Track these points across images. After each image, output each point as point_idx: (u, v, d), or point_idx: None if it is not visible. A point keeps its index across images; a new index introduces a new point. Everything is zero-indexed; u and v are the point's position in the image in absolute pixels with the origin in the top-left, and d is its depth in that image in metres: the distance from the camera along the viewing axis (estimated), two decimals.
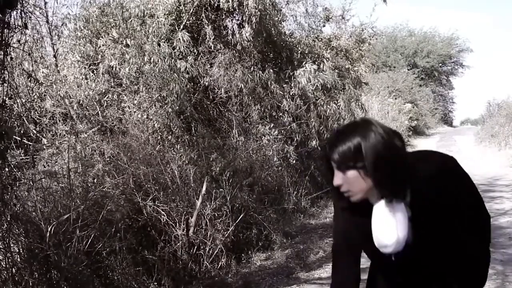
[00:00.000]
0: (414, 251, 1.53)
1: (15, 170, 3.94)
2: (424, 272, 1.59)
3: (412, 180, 1.48)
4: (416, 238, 1.52)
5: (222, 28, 7.47)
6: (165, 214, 4.69)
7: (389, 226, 1.50)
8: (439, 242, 1.54)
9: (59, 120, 5.49)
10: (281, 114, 7.80)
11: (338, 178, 1.49)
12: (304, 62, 7.83)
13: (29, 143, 5.18)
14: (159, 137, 5.83)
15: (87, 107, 5.89)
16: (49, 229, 3.62)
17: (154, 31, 6.30)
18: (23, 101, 5.06)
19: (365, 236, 1.56)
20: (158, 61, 5.94)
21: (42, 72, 5.89)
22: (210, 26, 7.02)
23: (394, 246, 1.50)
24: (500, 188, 9.11)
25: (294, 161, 7.65)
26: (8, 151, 3.85)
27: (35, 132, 5.36)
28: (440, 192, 1.51)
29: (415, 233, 1.51)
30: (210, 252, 4.83)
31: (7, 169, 3.58)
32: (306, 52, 8.37)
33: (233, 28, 7.31)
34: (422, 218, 1.50)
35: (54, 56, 6.51)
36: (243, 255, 5.36)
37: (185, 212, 4.81)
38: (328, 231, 6.58)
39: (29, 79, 5.53)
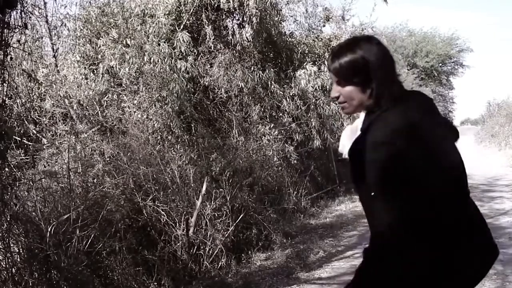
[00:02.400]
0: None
1: (15, 170, 3.95)
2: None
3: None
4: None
5: (222, 28, 7.48)
6: (165, 214, 4.68)
7: (345, 133, 1.65)
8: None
9: (59, 120, 5.50)
10: (281, 114, 7.80)
11: (334, 91, 1.60)
12: (304, 63, 7.83)
13: (29, 143, 5.19)
14: (159, 137, 5.83)
15: (87, 107, 5.89)
16: (49, 229, 3.62)
17: (154, 31, 6.30)
18: (23, 101, 5.06)
19: None
20: (158, 61, 5.94)
21: (42, 72, 5.89)
22: (210, 26, 7.02)
23: (341, 149, 1.65)
24: (500, 188, 9.10)
25: (294, 161, 7.65)
26: (8, 151, 3.85)
27: (35, 132, 5.36)
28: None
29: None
30: (210, 252, 4.83)
31: (7, 169, 3.58)
32: (306, 52, 8.37)
33: (233, 28, 7.31)
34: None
35: (54, 56, 6.51)
36: (243, 255, 5.36)
37: (185, 212, 4.81)
38: (328, 231, 6.58)
39: (29, 79, 5.53)
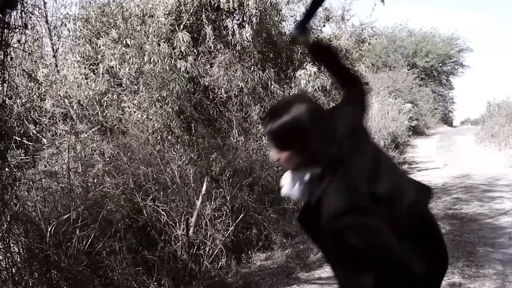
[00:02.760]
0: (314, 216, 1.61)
1: (15, 170, 3.95)
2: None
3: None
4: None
5: (222, 28, 7.47)
6: (165, 214, 4.69)
7: (286, 176, 1.74)
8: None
9: (59, 120, 5.49)
10: None
11: (272, 154, 1.68)
12: (304, 63, 7.82)
13: (29, 143, 5.18)
14: (159, 137, 5.83)
15: (87, 107, 5.89)
16: (49, 229, 3.62)
17: (154, 31, 6.30)
18: (23, 101, 5.06)
19: None
20: (158, 61, 5.94)
21: (42, 72, 5.89)
22: (210, 26, 7.02)
23: (284, 191, 1.75)
24: (500, 188, 9.10)
25: None
26: (8, 151, 3.85)
27: (35, 132, 5.36)
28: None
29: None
30: (210, 252, 4.83)
31: (7, 169, 3.58)
32: (306, 52, 8.36)
33: (233, 28, 7.31)
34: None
35: (54, 56, 6.51)
36: (243, 255, 5.36)
37: (185, 212, 4.81)
38: None
39: (29, 79, 5.53)
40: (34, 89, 5.65)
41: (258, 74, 7.16)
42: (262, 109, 7.41)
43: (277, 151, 1.64)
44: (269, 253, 5.56)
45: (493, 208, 7.29)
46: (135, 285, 4.12)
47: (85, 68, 6.29)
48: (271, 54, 8.20)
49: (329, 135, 1.60)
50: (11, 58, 3.56)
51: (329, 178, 1.57)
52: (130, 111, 5.86)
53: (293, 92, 7.72)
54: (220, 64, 6.81)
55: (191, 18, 7.04)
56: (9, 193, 3.54)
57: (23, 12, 3.37)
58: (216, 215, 5.12)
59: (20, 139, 5.09)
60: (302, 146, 1.57)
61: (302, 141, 1.57)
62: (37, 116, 5.50)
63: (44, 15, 6.30)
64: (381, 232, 1.51)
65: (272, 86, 7.43)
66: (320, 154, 1.58)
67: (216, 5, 7.10)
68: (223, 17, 7.41)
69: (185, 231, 4.70)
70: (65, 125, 5.39)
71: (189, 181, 5.16)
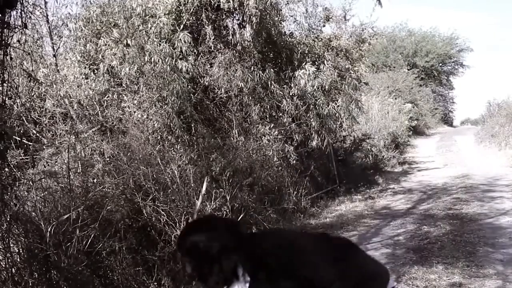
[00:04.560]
0: None
1: (15, 170, 3.94)
2: None
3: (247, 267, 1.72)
4: None
5: (222, 28, 7.47)
6: (165, 214, 4.68)
7: None
8: None
9: (59, 120, 5.49)
10: (281, 114, 7.80)
11: (187, 267, 1.79)
12: (304, 63, 7.82)
13: (29, 143, 5.18)
14: (159, 137, 5.82)
15: (87, 107, 5.89)
16: (49, 229, 3.62)
17: (155, 31, 6.30)
18: (23, 101, 5.06)
19: None
20: (158, 61, 5.94)
21: (42, 72, 5.89)
22: (210, 26, 7.02)
23: None
24: (501, 188, 9.10)
25: (294, 161, 7.65)
26: (8, 151, 3.85)
27: (35, 132, 5.36)
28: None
29: None
30: None
31: (7, 169, 3.58)
32: (306, 52, 8.36)
33: (234, 28, 7.31)
34: None
35: (54, 56, 6.51)
36: None
37: (185, 212, 4.80)
38: (328, 231, 6.58)
39: (29, 79, 5.53)
40: (34, 89, 5.65)
41: (258, 74, 7.16)
42: (262, 109, 7.41)
43: (191, 266, 1.77)
44: None
45: (493, 208, 7.29)
46: (135, 285, 4.11)
47: (85, 68, 6.29)
48: (271, 54, 8.20)
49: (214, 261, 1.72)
50: (11, 58, 3.55)
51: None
52: (130, 111, 5.86)
53: (293, 92, 7.71)
54: (220, 64, 6.81)
55: (191, 18, 7.03)
56: (9, 193, 3.54)
57: (23, 12, 3.37)
58: (216, 215, 5.11)
59: (20, 139, 5.09)
60: (205, 261, 1.72)
61: (210, 260, 1.71)
62: (37, 116, 5.50)
63: (45, 14, 6.30)
64: None
65: (272, 86, 7.43)
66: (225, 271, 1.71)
67: (216, 5, 7.10)
68: (223, 17, 7.41)
69: None
70: (65, 125, 5.38)
71: (189, 181, 5.16)
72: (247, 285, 1.74)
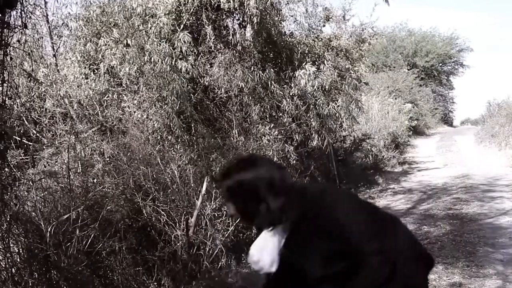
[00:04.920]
0: (294, 276, 1.67)
1: (15, 170, 3.94)
2: None
3: (290, 213, 1.67)
4: (290, 267, 1.67)
5: (222, 28, 7.47)
6: (165, 214, 4.68)
7: (255, 247, 1.76)
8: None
9: (59, 120, 5.49)
10: (281, 114, 7.79)
11: (229, 209, 1.75)
12: (304, 63, 7.82)
13: (29, 143, 5.18)
14: (159, 137, 5.82)
15: (87, 107, 5.89)
16: (49, 229, 3.62)
17: (155, 31, 6.30)
18: (23, 101, 5.06)
19: None
20: (158, 61, 5.94)
21: (42, 72, 5.89)
22: (210, 26, 7.02)
23: (257, 266, 1.74)
24: (501, 188, 9.10)
25: (294, 161, 7.64)
26: (8, 151, 3.85)
27: (35, 132, 5.36)
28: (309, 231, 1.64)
29: (291, 263, 1.67)
30: (210, 252, 4.82)
31: (7, 169, 3.58)
32: (306, 52, 8.36)
33: (234, 28, 7.31)
34: (296, 254, 1.66)
35: (54, 55, 6.51)
36: (243, 255, 5.35)
37: (185, 212, 4.80)
38: None
39: (29, 79, 5.53)
40: (34, 89, 5.65)
41: (258, 74, 7.15)
42: (262, 109, 7.40)
43: (233, 205, 1.72)
44: None
45: (493, 208, 7.29)
46: (135, 285, 4.11)
47: (85, 68, 6.29)
48: (271, 54, 8.20)
49: (283, 192, 1.68)
50: (11, 58, 3.55)
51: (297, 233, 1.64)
52: (130, 111, 5.86)
53: (293, 92, 7.71)
54: (220, 64, 6.80)
55: (191, 18, 7.03)
56: (9, 193, 3.54)
57: (23, 12, 3.37)
58: (216, 215, 5.11)
59: (20, 139, 5.09)
60: (257, 200, 1.66)
61: (257, 195, 1.66)
62: (37, 116, 5.49)
63: (45, 14, 6.30)
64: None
65: (272, 86, 7.42)
66: (276, 210, 1.65)
67: (216, 5, 7.09)
68: (224, 17, 7.41)
69: (185, 231, 4.69)
70: (65, 125, 5.38)
71: (189, 181, 5.16)
72: (284, 235, 1.67)
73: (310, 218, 1.64)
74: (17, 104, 4.93)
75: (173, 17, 6.71)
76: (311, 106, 8.06)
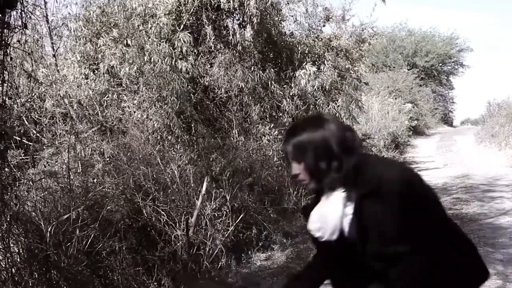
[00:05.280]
0: (351, 248, 1.59)
1: (15, 170, 3.94)
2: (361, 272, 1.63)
3: (361, 180, 1.57)
4: (356, 236, 1.58)
5: (222, 28, 7.47)
6: (165, 214, 4.68)
7: (317, 213, 1.65)
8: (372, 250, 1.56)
9: (59, 120, 5.49)
10: (281, 114, 7.80)
11: (294, 169, 1.64)
12: (304, 63, 7.82)
13: (29, 143, 5.18)
14: (159, 137, 5.82)
15: (87, 107, 5.89)
16: (49, 229, 3.62)
17: (155, 31, 6.30)
18: (23, 101, 5.06)
19: None
20: (158, 61, 5.94)
21: (42, 72, 5.89)
22: (210, 26, 7.02)
23: (318, 233, 1.63)
24: (501, 188, 9.10)
25: None
26: (8, 151, 3.85)
27: (35, 132, 5.36)
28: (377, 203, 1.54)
29: (359, 230, 1.57)
30: (210, 252, 4.83)
31: (7, 169, 3.58)
32: (306, 52, 8.36)
33: (234, 28, 7.31)
34: (363, 220, 1.56)
35: (54, 56, 6.51)
36: (243, 255, 5.36)
37: (185, 212, 4.80)
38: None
39: (29, 79, 5.53)
40: (34, 89, 5.65)
41: (258, 74, 7.16)
42: (262, 109, 7.41)
43: (297, 165, 1.62)
44: (269, 253, 5.56)
45: (493, 208, 7.29)
46: (135, 285, 4.11)
47: (85, 68, 6.29)
48: (271, 54, 8.20)
49: (351, 151, 1.58)
50: (11, 58, 3.55)
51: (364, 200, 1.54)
52: (130, 111, 5.86)
53: (293, 92, 7.71)
54: (220, 64, 6.81)
55: (191, 18, 7.03)
56: (9, 193, 3.54)
57: (23, 12, 3.37)
58: (216, 215, 5.12)
59: (20, 139, 5.09)
60: (324, 159, 1.57)
61: (324, 154, 1.56)
62: (37, 116, 5.49)
63: (45, 14, 6.30)
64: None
65: (272, 86, 7.43)
66: (343, 170, 1.56)
67: (216, 5, 7.10)
68: (224, 17, 7.41)
69: (185, 231, 4.69)
70: (65, 125, 5.38)
71: (189, 181, 5.16)
72: (350, 203, 1.58)
73: (385, 191, 1.53)
74: (17, 104, 4.93)
75: (173, 17, 6.71)
76: (311, 106, 8.06)
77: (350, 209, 1.58)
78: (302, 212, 1.82)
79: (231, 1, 6.81)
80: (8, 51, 3.33)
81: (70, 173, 4.27)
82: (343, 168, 1.55)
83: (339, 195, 1.59)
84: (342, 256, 1.66)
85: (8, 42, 3.30)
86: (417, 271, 1.54)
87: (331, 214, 1.60)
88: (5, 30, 3.22)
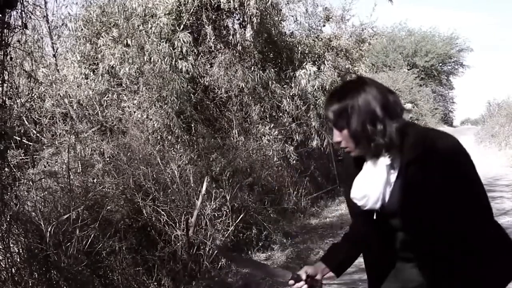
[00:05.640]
0: (396, 216, 1.52)
1: (15, 170, 3.94)
2: (408, 242, 1.55)
3: (406, 146, 1.49)
4: (401, 204, 1.50)
5: (222, 28, 7.48)
6: (165, 214, 4.68)
7: (361, 181, 1.57)
8: (422, 218, 1.47)
9: (59, 120, 5.49)
10: (281, 114, 7.80)
11: (335, 136, 1.55)
12: (304, 63, 7.82)
13: (29, 143, 5.18)
14: (159, 137, 5.82)
15: (87, 107, 5.89)
16: (49, 229, 3.62)
17: (155, 31, 6.30)
18: (23, 101, 5.06)
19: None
20: (158, 61, 5.94)
21: (42, 72, 5.89)
22: (210, 26, 7.02)
23: (362, 201, 1.55)
24: (501, 188, 9.09)
25: (294, 161, 7.65)
26: (8, 151, 3.85)
27: (35, 132, 5.36)
28: (429, 168, 1.46)
29: (401, 199, 1.50)
30: (210, 252, 4.82)
31: (7, 169, 3.58)
32: (306, 52, 8.37)
33: (234, 28, 7.32)
34: (410, 187, 1.48)
35: (54, 55, 6.51)
36: (243, 255, 5.36)
37: (185, 212, 4.80)
38: (328, 231, 6.58)
39: (29, 79, 5.53)
40: (34, 89, 5.65)
41: (258, 74, 7.16)
42: (262, 109, 7.41)
43: (338, 131, 1.53)
44: (269, 253, 5.56)
45: (493, 208, 7.26)
46: (135, 285, 4.11)
47: (85, 68, 6.29)
48: (271, 54, 8.20)
49: (393, 115, 1.50)
50: (11, 58, 3.55)
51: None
52: (130, 111, 5.86)
53: (293, 92, 7.72)
54: (221, 64, 6.81)
55: (191, 18, 7.04)
56: (9, 193, 3.53)
57: (23, 12, 3.37)
58: (216, 215, 5.11)
59: (20, 139, 5.09)
60: (366, 124, 1.48)
61: (365, 120, 1.47)
62: (37, 116, 5.49)
63: (45, 14, 6.30)
64: None
65: (272, 86, 7.43)
66: (386, 134, 1.47)
67: (216, 5, 7.10)
68: (224, 17, 7.42)
69: (185, 231, 4.69)
70: (65, 125, 5.38)
71: (189, 181, 5.16)
72: (394, 171, 1.50)
73: (436, 155, 1.45)
74: (17, 104, 4.93)
75: (173, 17, 6.72)
76: (311, 106, 8.07)
77: (393, 176, 1.51)
78: (343, 176, 1.69)
79: (231, 1, 6.82)
80: (8, 51, 3.33)
81: (70, 173, 4.27)
82: (388, 132, 1.47)
83: (383, 161, 1.52)
84: (381, 228, 1.58)
85: (8, 42, 3.30)
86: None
87: (375, 182, 1.53)
88: (5, 30, 3.22)
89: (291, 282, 1.67)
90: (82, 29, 6.62)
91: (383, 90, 1.52)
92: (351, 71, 9.23)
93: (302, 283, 1.66)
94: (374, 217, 1.58)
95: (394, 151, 1.49)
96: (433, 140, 1.49)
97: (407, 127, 1.51)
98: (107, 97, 6.14)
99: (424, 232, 1.50)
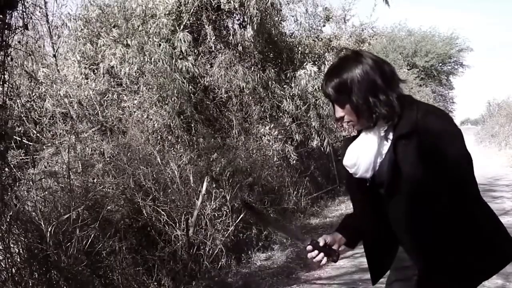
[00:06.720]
0: (388, 185, 1.53)
1: (15, 170, 3.94)
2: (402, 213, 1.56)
3: (401, 120, 1.50)
4: (387, 176, 1.52)
5: (222, 29, 7.48)
6: (165, 214, 4.68)
7: (354, 149, 1.59)
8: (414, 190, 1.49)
9: (59, 120, 5.49)
10: (281, 114, 7.80)
11: (338, 112, 1.56)
12: (304, 63, 7.83)
13: (29, 143, 5.18)
14: (159, 137, 5.83)
15: (87, 107, 5.89)
16: (49, 229, 3.62)
17: (155, 31, 6.31)
18: (23, 101, 5.06)
19: None
20: (158, 61, 5.95)
21: (42, 72, 5.89)
22: (210, 27, 7.03)
23: (353, 169, 1.58)
24: (501, 188, 9.09)
25: (294, 161, 7.65)
26: (8, 151, 3.85)
27: (35, 132, 5.36)
28: (423, 140, 1.47)
29: (388, 172, 1.52)
30: (210, 252, 4.83)
31: (7, 169, 3.58)
32: (307, 52, 8.37)
33: (234, 29, 7.32)
34: (397, 161, 1.50)
35: (54, 56, 6.52)
36: (243, 255, 5.36)
37: (185, 212, 4.80)
38: (328, 231, 6.57)
39: (29, 80, 5.53)
40: (34, 89, 5.65)
41: (258, 74, 7.17)
42: (262, 109, 7.42)
43: (340, 108, 1.54)
44: (269, 253, 5.56)
45: (493, 208, 7.24)
46: (135, 285, 4.11)
47: (85, 68, 6.29)
48: (272, 54, 8.21)
49: (393, 86, 1.52)
50: (12, 59, 3.55)
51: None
52: (130, 111, 5.87)
53: (294, 92, 7.72)
54: (221, 64, 6.82)
55: (191, 18, 7.04)
56: (9, 193, 3.54)
57: (24, 13, 3.37)
58: (216, 215, 5.12)
59: (20, 139, 5.09)
60: (367, 98, 1.49)
61: (365, 93, 1.48)
62: (37, 116, 5.50)
63: (45, 14, 6.30)
64: None
65: (273, 86, 7.43)
66: (388, 105, 1.48)
67: (216, 5, 7.10)
68: (224, 18, 7.42)
69: (185, 231, 4.69)
70: (65, 125, 5.38)
71: (189, 181, 5.16)
72: (386, 142, 1.52)
73: (427, 130, 1.46)
74: (18, 105, 4.94)
75: (173, 17, 6.72)
76: (312, 106, 8.07)
77: (385, 148, 1.53)
78: (343, 146, 1.70)
79: (232, 2, 6.82)
80: (9, 52, 3.33)
81: (70, 173, 4.27)
82: (390, 102, 1.48)
83: (377, 132, 1.54)
84: (374, 198, 1.61)
85: (9, 43, 3.30)
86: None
87: (367, 151, 1.55)
88: (5, 31, 3.22)
89: (309, 247, 1.70)
90: (82, 29, 6.63)
91: (379, 60, 1.54)
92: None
93: (318, 252, 1.73)
94: (366, 186, 1.60)
95: (395, 120, 1.50)
96: (426, 115, 1.50)
97: (404, 99, 1.53)
98: (107, 97, 6.14)
99: (407, 207, 1.51)
